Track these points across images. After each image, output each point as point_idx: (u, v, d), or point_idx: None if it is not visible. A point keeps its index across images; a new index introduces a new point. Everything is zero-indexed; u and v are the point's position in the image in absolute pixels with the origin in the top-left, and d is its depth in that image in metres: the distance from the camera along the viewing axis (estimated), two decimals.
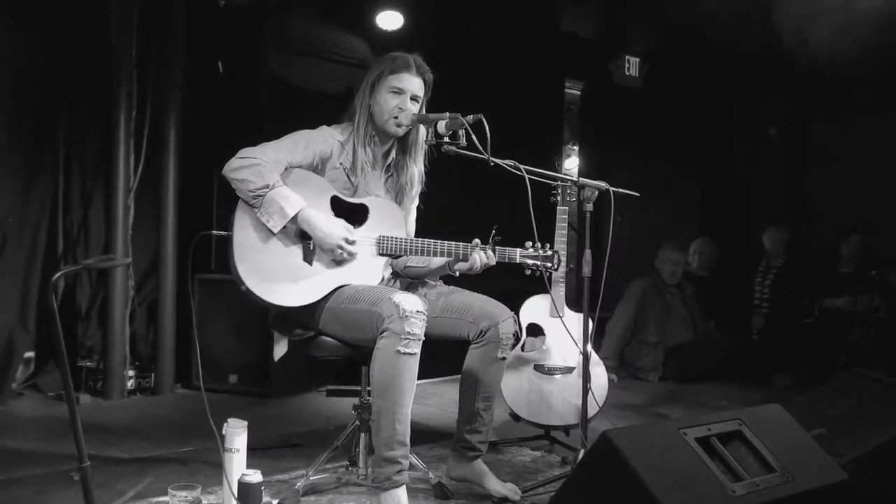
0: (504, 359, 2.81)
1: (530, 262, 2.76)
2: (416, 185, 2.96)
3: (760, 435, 2.34)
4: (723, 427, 2.32)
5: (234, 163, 2.61)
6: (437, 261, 2.83)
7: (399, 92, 2.79)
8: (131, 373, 4.36)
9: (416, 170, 2.93)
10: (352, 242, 2.66)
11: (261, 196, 2.57)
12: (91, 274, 4.46)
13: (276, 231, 2.59)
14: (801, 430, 2.51)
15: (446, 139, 2.67)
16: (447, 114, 2.67)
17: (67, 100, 4.33)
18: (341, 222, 2.69)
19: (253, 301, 2.63)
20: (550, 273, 2.81)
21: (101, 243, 4.42)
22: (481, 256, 2.70)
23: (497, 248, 2.73)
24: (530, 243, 2.78)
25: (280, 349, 2.75)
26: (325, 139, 2.77)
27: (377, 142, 2.85)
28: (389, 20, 4.85)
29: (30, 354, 4.28)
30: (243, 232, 2.61)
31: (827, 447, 2.53)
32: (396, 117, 2.78)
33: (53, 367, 4.30)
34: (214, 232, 2.72)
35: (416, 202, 3.02)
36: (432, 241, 2.74)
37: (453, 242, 2.73)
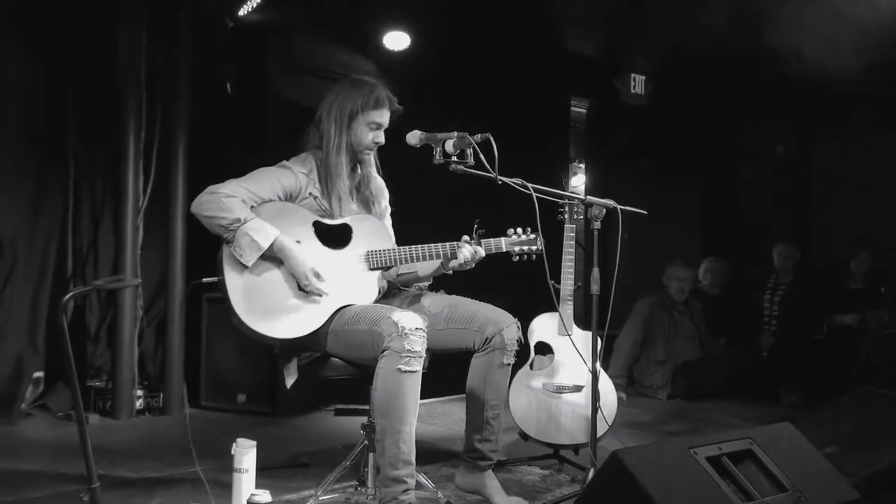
0: (509, 365, 2.82)
1: (517, 248, 2.83)
2: (382, 194, 3.01)
3: (772, 454, 2.33)
4: (734, 446, 2.31)
5: (201, 199, 2.64)
6: (425, 264, 2.86)
7: (378, 127, 2.86)
8: (140, 393, 4.36)
9: (377, 177, 2.99)
10: (318, 276, 2.66)
11: (233, 231, 2.59)
12: (100, 294, 4.47)
13: (249, 265, 2.60)
14: (812, 449, 2.50)
15: (454, 158, 2.70)
16: (455, 133, 2.70)
17: (76, 121, 4.36)
18: (316, 252, 2.70)
19: (259, 342, 2.63)
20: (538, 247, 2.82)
21: (110, 263, 4.44)
22: (470, 250, 2.75)
23: (482, 240, 2.79)
24: (512, 230, 2.84)
25: (291, 377, 2.74)
26: (290, 175, 2.79)
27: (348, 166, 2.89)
28: (396, 41, 4.88)
29: (39, 374, 4.27)
30: (233, 274, 2.63)
31: (839, 466, 2.51)
32: (371, 149, 2.87)
33: (62, 387, 4.31)
34: (206, 279, 2.72)
35: (389, 210, 3.05)
36: (420, 246, 2.77)
37: (440, 244, 2.77)
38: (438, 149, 2.71)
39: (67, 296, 2.16)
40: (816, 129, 6.69)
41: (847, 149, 6.40)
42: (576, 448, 3.55)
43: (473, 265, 2.79)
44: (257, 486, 2.60)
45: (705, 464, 2.18)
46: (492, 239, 2.81)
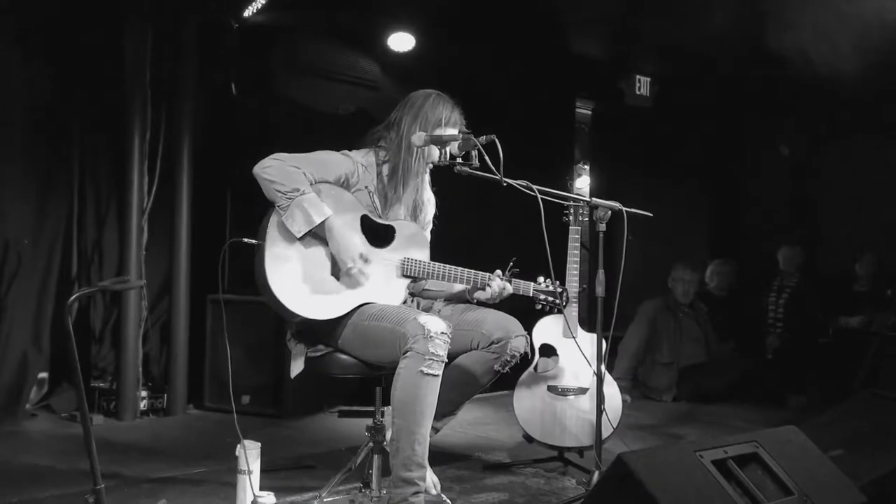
0: (499, 373, 2.80)
1: (542, 296, 2.85)
2: (430, 206, 3.01)
3: (777, 457, 2.32)
4: (739, 449, 2.30)
5: (266, 162, 2.64)
6: (457, 287, 2.88)
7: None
8: (144, 393, 4.36)
9: (429, 190, 3.00)
10: (366, 261, 2.67)
11: (290, 199, 2.59)
12: (105, 295, 4.48)
13: (298, 236, 2.60)
14: (818, 452, 2.49)
15: (459, 160, 2.69)
16: (460, 134, 2.69)
17: (81, 122, 4.37)
18: (362, 241, 2.71)
19: (278, 312, 2.63)
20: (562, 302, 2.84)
21: (114, 264, 4.44)
22: (499, 286, 2.77)
23: (513, 280, 2.80)
24: (542, 278, 2.85)
25: (297, 367, 2.74)
26: (350, 163, 2.80)
27: None
28: (401, 42, 4.88)
29: (43, 375, 4.28)
30: (275, 242, 2.63)
31: (844, 469, 2.50)
32: (432, 163, 2.88)
33: (67, 388, 4.31)
34: (246, 239, 2.71)
35: (431, 226, 3.05)
36: (454, 267, 2.78)
37: (474, 271, 2.78)
38: (443, 150, 2.71)
39: (72, 297, 2.17)
40: (821, 131, 6.67)
41: (852, 150, 6.38)
42: (580, 451, 3.54)
43: (497, 301, 2.81)
44: (262, 488, 2.59)
45: (711, 467, 2.17)
46: (521, 281, 2.83)
